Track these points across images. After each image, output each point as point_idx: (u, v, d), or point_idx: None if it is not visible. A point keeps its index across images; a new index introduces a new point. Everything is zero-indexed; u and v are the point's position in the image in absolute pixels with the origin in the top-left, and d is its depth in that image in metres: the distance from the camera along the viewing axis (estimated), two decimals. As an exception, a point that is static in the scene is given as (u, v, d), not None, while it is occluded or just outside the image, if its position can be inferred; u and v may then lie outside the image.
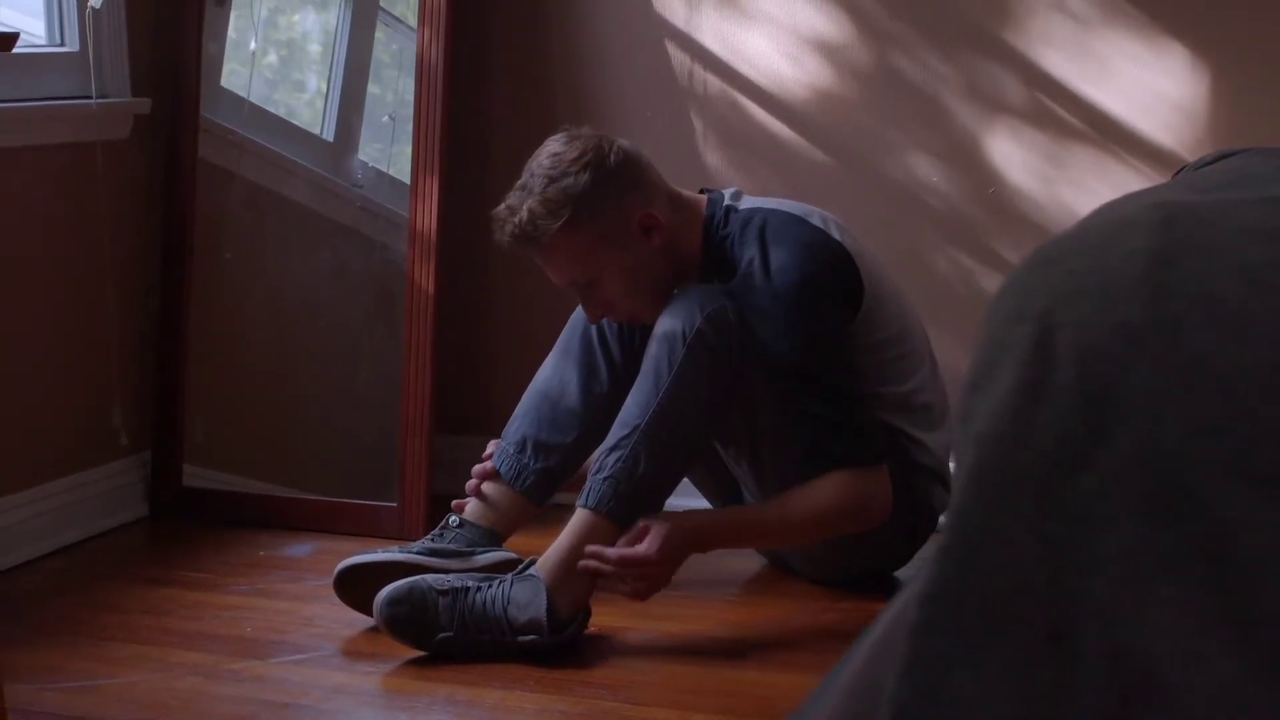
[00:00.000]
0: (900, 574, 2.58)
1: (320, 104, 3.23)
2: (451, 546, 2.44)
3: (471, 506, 2.51)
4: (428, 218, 2.91)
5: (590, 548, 2.28)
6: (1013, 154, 2.85)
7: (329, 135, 3.19)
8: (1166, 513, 0.83)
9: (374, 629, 2.33)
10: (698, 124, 3.01)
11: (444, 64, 2.92)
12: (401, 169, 3.01)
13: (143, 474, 3.05)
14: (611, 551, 2.27)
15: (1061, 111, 2.81)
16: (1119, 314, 0.88)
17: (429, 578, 2.29)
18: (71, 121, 2.83)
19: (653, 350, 2.34)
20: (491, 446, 2.55)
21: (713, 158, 3.01)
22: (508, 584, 2.28)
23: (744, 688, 2.17)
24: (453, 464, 2.89)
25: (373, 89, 3.21)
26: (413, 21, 2.99)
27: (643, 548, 2.27)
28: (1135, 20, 2.76)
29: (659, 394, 2.31)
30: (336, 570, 2.41)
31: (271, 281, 3.15)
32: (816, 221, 2.42)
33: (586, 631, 2.33)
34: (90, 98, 2.84)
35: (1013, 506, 0.87)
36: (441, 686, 2.18)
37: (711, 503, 2.65)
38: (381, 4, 3.17)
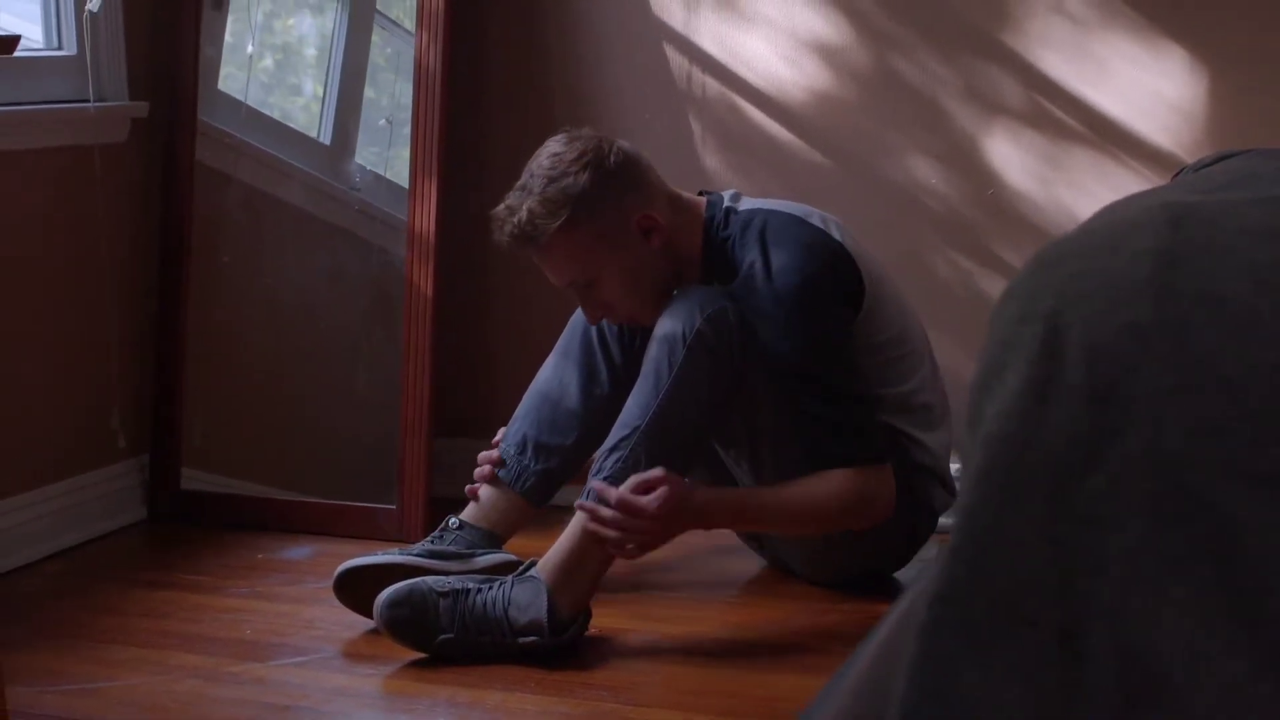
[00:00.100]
0: (900, 575, 2.58)
1: (317, 108, 3.22)
2: (451, 548, 2.44)
3: (471, 508, 2.52)
4: (426, 220, 2.91)
5: (596, 484, 2.28)
6: (1011, 156, 2.85)
7: (326, 139, 3.19)
8: (1173, 513, 0.83)
9: (374, 631, 2.33)
10: (696, 127, 3.01)
11: (442, 67, 2.92)
12: (399, 172, 3.01)
13: (141, 477, 3.04)
14: (615, 492, 2.27)
15: (1060, 113, 2.81)
16: (1126, 314, 0.88)
17: (429, 580, 2.29)
18: (69, 125, 2.83)
19: (653, 351, 2.34)
20: (501, 434, 2.56)
21: (711, 160, 3.00)
22: (508, 585, 2.28)
23: (745, 689, 2.16)
24: (452, 466, 2.90)
25: (369, 93, 3.21)
26: (409, 25, 2.99)
27: (646, 500, 2.27)
28: (1134, 22, 2.76)
29: (659, 395, 2.31)
30: (336, 572, 2.40)
31: (269, 284, 3.15)
32: (816, 222, 2.42)
33: (587, 633, 2.33)
34: (88, 101, 2.84)
35: (1022, 507, 0.87)
36: (442, 688, 2.18)
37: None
38: (378, 7, 3.17)
